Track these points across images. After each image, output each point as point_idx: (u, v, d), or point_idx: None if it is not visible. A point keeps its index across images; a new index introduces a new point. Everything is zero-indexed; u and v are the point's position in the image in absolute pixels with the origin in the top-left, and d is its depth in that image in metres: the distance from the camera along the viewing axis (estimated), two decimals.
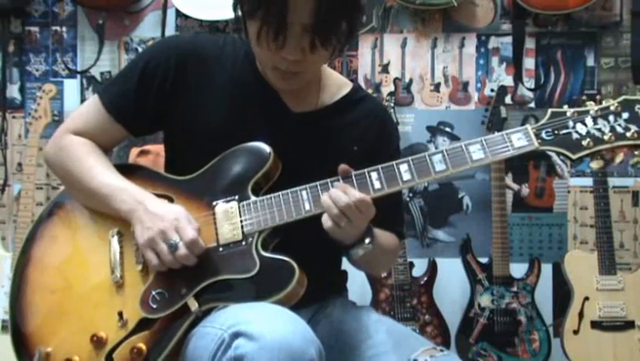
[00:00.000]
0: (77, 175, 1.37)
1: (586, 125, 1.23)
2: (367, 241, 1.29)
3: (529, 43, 2.80)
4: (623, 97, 1.24)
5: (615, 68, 2.82)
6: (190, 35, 1.44)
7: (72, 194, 1.42)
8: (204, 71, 1.37)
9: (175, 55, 1.37)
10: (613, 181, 2.76)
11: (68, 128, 1.42)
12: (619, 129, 1.23)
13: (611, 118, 1.23)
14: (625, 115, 1.23)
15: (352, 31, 1.29)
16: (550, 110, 1.25)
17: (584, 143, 1.23)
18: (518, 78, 2.78)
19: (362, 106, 1.47)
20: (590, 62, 2.82)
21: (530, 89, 2.80)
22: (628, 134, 1.22)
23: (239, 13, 1.30)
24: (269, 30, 1.22)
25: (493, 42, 2.84)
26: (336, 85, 1.46)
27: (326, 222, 1.23)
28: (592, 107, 1.24)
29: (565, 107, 1.26)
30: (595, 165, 2.61)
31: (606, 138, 1.22)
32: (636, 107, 1.23)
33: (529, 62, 2.82)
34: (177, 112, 1.38)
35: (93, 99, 1.42)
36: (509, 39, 2.80)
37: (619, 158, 2.82)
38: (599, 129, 1.23)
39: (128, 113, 1.39)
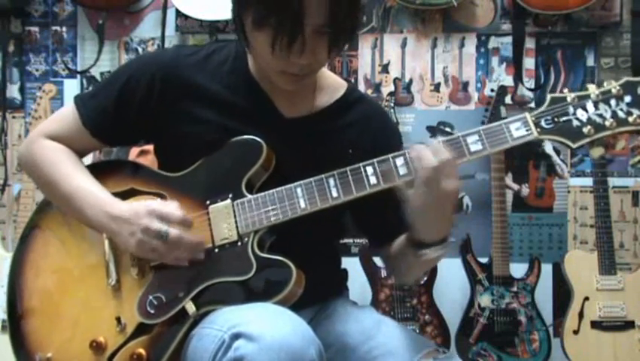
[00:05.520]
0: (49, 180, 1.35)
1: (586, 110, 1.18)
2: (450, 240, 1.25)
3: (529, 43, 2.80)
4: (625, 79, 1.19)
5: (615, 68, 2.81)
6: (172, 50, 1.41)
7: (47, 197, 1.41)
8: (190, 85, 1.33)
9: (159, 72, 1.33)
10: (613, 181, 2.76)
11: (43, 131, 1.40)
12: (621, 114, 1.17)
13: (613, 102, 1.17)
14: (627, 99, 1.17)
15: (357, 27, 1.28)
16: (549, 96, 1.20)
17: (585, 130, 1.17)
18: (518, 78, 2.78)
19: (357, 108, 1.42)
20: (590, 62, 2.82)
21: (530, 89, 2.79)
22: (630, 119, 1.16)
23: (240, 24, 1.25)
24: (283, 37, 1.17)
25: (493, 42, 2.83)
26: (331, 87, 1.43)
27: (419, 189, 1.16)
28: (592, 90, 1.19)
29: (566, 90, 1.21)
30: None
31: (607, 124, 1.17)
32: (639, 90, 1.17)
33: (529, 62, 2.81)
34: (164, 126, 1.34)
35: (72, 109, 1.39)
36: (509, 39, 2.79)
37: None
38: (600, 115, 1.17)
39: (105, 129, 1.38)
